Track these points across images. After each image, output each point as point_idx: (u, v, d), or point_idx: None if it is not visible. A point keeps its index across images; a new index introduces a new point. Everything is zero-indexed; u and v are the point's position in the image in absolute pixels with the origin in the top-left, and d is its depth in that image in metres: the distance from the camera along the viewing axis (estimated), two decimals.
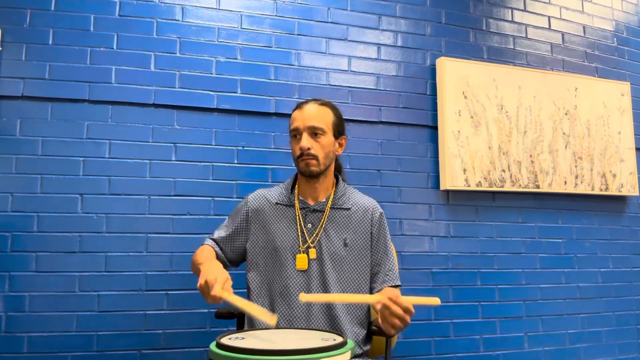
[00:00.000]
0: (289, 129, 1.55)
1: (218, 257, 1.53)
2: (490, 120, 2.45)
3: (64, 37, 1.98)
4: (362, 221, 1.55)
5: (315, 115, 1.50)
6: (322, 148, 1.49)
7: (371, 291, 1.54)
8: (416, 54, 2.45)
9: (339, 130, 1.55)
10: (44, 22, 1.97)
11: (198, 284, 1.25)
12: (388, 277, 1.54)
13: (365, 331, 1.52)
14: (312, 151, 1.47)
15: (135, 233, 1.96)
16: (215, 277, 1.23)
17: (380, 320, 1.22)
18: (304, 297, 1.19)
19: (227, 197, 2.08)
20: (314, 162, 1.48)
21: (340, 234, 1.52)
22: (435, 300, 1.17)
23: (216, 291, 1.19)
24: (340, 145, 1.58)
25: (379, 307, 1.21)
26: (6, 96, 1.90)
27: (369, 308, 1.57)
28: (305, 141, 1.47)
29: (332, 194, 1.56)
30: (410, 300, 1.19)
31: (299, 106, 1.54)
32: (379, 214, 1.58)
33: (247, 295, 1.55)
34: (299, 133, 1.50)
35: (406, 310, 1.18)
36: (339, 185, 1.59)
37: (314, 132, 1.48)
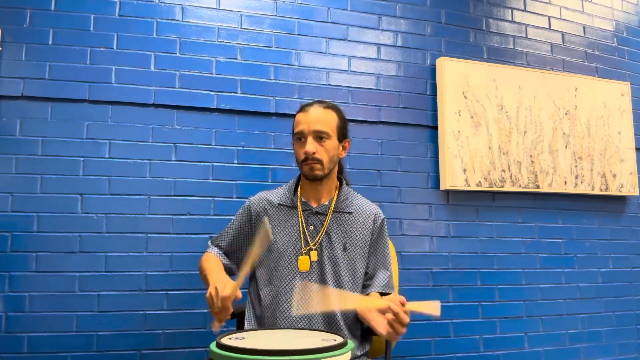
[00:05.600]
0: (292, 131, 1.54)
1: (224, 267, 1.53)
2: (490, 120, 2.45)
3: (64, 37, 1.98)
4: (364, 226, 1.54)
5: (320, 119, 1.48)
6: (326, 152, 1.47)
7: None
8: (416, 54, 2.45)
9: (343, 133, 1.54)
10: (44, 22, 1.97)
11: (207, 293, 1.24)
12: (377, 285, 1.51)
13: (365, 331, 1.51)
14: (317, 155, 1.46)
15: (135, 233, 1.96)
16: (225, 283, 1.25)
17: (379, 326, 1.19)
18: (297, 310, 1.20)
19: (227, 197, 2.08)
20: (318, 166, 1.47)
21: (341, 237, 1.51)
22: (434, 309, 1.13)
23: (226, 291, 1.21)
24: (344, 148, 1.57)
25: (388, 313, 1.15)
26: (6, 96, 1.90)
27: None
28: (311, 145, 1.45)
29: (335, 197, 1.55)
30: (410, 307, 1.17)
31: (303, 109, 1.52)
32: (380, 220, 1.57)
33: (249, 291, 1.56)
34: (303, 137, 1.48)
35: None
36: (342, 188, 1.58)
37: (319, 136, 1.47)
